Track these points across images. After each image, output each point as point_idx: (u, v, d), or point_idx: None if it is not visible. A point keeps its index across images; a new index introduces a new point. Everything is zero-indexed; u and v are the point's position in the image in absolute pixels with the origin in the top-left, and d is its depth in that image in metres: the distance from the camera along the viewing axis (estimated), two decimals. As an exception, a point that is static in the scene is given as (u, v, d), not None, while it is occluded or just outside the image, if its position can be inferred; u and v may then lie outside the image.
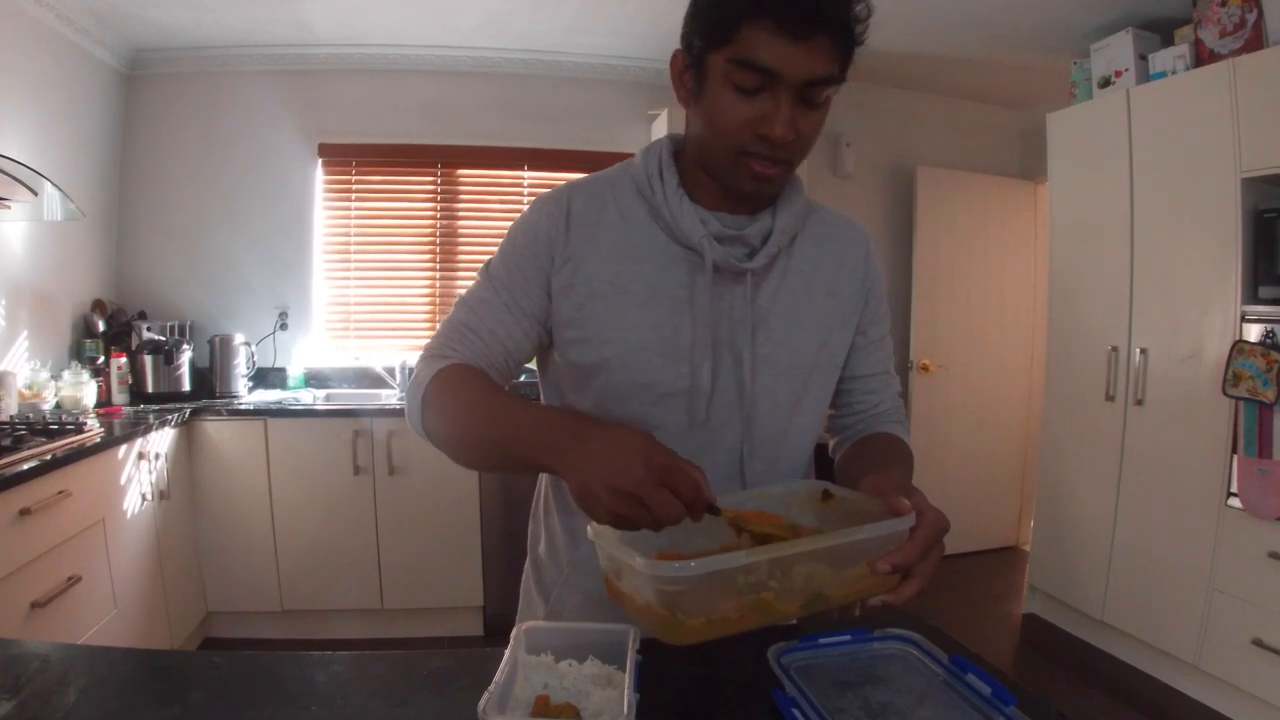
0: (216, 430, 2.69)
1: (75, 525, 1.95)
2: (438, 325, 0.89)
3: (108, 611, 2.09)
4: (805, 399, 0.89)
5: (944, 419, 3.75)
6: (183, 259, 3.21)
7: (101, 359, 2.81)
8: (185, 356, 2.89)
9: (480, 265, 0.90)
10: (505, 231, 0.89)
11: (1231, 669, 2.26)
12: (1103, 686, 2.54)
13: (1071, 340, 2.90)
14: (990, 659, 0.74)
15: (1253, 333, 2.20)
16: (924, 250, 3.68)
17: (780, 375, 0.86)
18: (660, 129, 3.30)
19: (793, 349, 0.87)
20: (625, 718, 0.57)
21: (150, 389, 2.83)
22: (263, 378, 3.21)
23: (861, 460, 0.89)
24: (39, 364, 2.56)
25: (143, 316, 3.05)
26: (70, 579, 1.89)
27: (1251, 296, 2.24)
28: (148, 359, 2.82)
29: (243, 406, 2.79)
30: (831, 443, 1.01)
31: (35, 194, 2.19)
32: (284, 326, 3.29)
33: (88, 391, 2.58)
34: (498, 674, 0.61)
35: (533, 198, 0.90)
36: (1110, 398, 2.69)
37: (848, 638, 0.77)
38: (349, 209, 3.40)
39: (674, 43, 0.81)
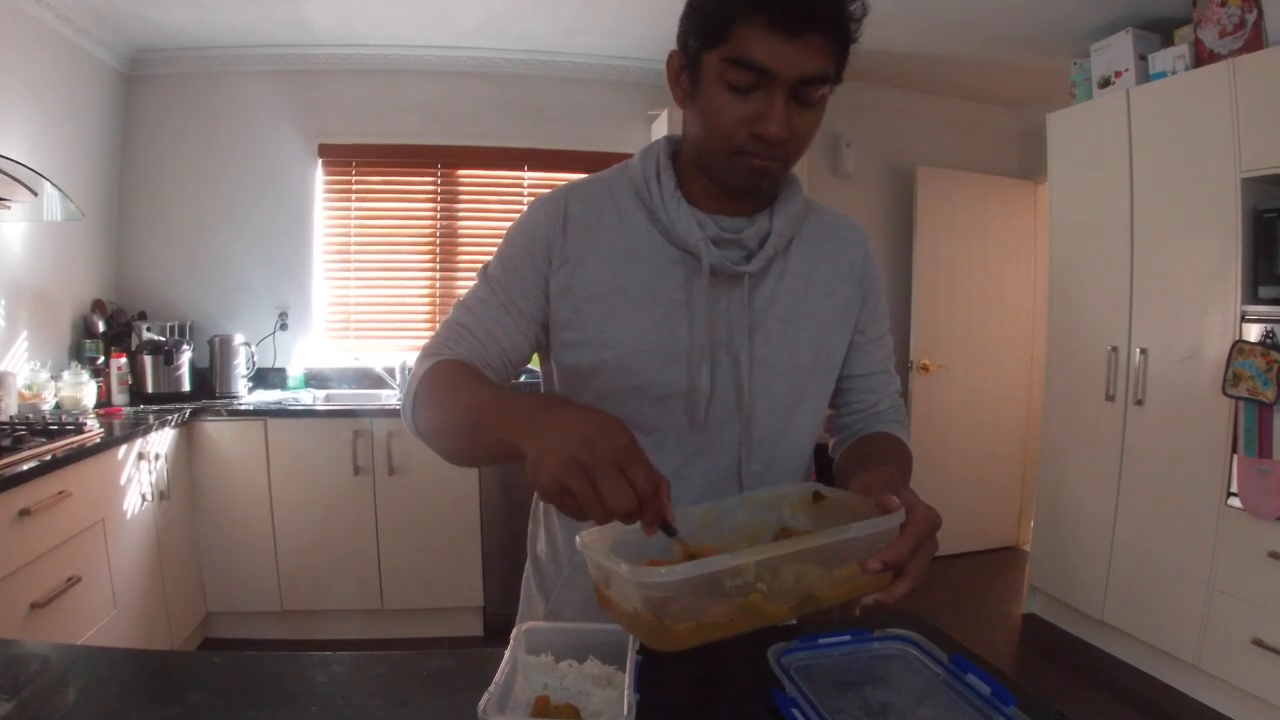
0: (216, 430, 2.69)
1: (75, 525, 1.95)
2: (437, 326, 0.88)
3: (107, 612, 2.09)
4: (803, 399, 0.89)
5: (944, 419, 3.75)
6: (183, 259, 3.21)
7: (101, 359, 2.81)
8: (185, 357, 2.89)
9: (480, 266, 0.89)
10: (505, 232, 0.89)
11: (1231, 669, 2.26)
12: (1103, 686, 2.54)
13: (1071, 340, 2.90)
14: (990, 659, 0.74)
15: (1253, 333, 2.20)
16: (924, 250, 3.68)
17: (778, 376, 0.86)
18: (660, 129, 3.30)
19: (790, 350, 0.87)
20: (625, 718, 0.57)
21: (150, 389, 2.83)
22: (263, 378, 3.21)
23: (859, 459, 0.89)
24: (39, 364, 2.56)
25: (143, 317, 3.05)
26: (70, 579, 1.89)
27: (1251, 296, 2.24)
28: (148, 359, 2.82)
29: (243, 407, 2.79)
30: (831, 442, 1.01)
31: (35, 194, 2.19)
32: (284, 327, 3.29)
33: (87, 392, 2.58)
34: (498, 674, 0.61)
35: (532, 198, 0.90)
36: (1110, 398, 2.69)
37: (847, 638, 0.77)
38: (349, 209, 3.40)
39: (674, 43, 0.81)
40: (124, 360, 2.77)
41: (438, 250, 3.43)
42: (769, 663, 0.71)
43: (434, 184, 3.42)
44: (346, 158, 3.35)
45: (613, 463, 0.55)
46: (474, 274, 0.89)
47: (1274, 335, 2.13)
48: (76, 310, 2.90)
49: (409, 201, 3.42)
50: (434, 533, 2.77)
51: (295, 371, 3.25)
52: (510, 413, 0.64)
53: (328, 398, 3.17)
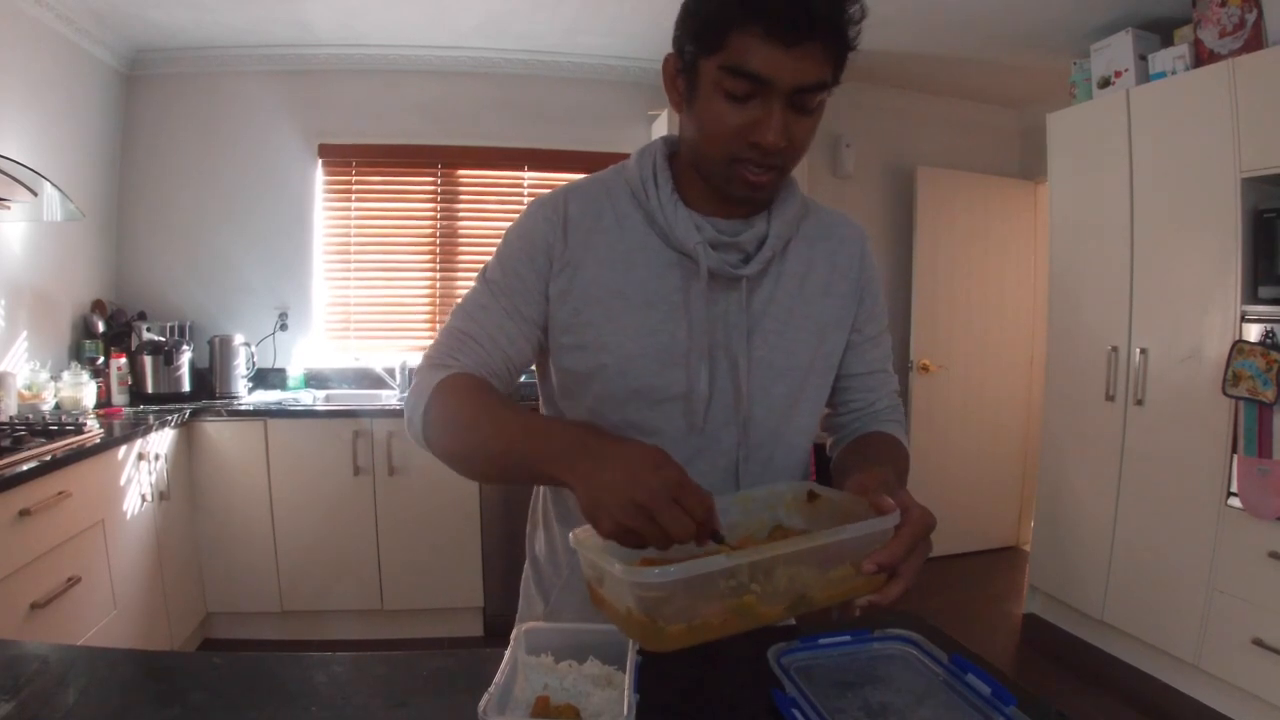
0: (216, 431, 2.69)
1: (75, 526, 1.95)
2: (437, 329, 0.88)
3: (107, 612, 2.09)
4: (801, 400, 0.89)
5: (944, 419, 3.75)
6: (183, 259, 3.21)
7: (101, 359, 2.81)
8: (185, 357, 2.89)
9: (480, 266, 0.89)
10: (504, 233, 0.89)
11: (1231, 669, 2.26)
12: (1103, 686, 2.54)
13: (1071, 340, 2.90)
14: (990, 659, 0.74)
15: (1252, 333, 2.20)
16: (924, 250, 3.68)
17: (776, 377, 0.86)
18: (660, 129, 3.30)
19: (788, 351, 0.86)
20: (625, 718, 0.57)
21: (150, 389, 2.83)
22: (262, 378, 3.21)
23: (856, 459, 0.89)
24: (39, 364, 2.56)
25: (142, 317, 3.05)
26: (70, 580, 1.89)
27: (1251, 296, 2.24)
28: (147, 359, 2.82)
29: (242, 407, 2.79)
30: (829, 441, 1.01)
31: (35, 194, 2.19)
32: (284, 327, 3.29)
33: (87, 392, 2.57)
34: (498, 674, 0.61)
35: (532, 198, 0.90)
36: (1110, 398, 2.69)
37: (847, 638, 0.77)
38: (349, 209, 3.40)
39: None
40: (124, 360, 2.77)
41: (438, 250, 3.43)
42: (769, 663, 0.71)
43: (434, 184, 3.42)
44: (346, 158, 3.35)
45: (670, 500, 0.58)
46: (474, 274, 0.89)
47: (1274, 335, 2.13)
48: (76, 310, 2.90)
49: (409, 201, 3.42)
50: (434, 533, 2.77)
51: (295, 372, 3.25)
52: (547, 446, 0.67)
53: (328, 398, 3.17)
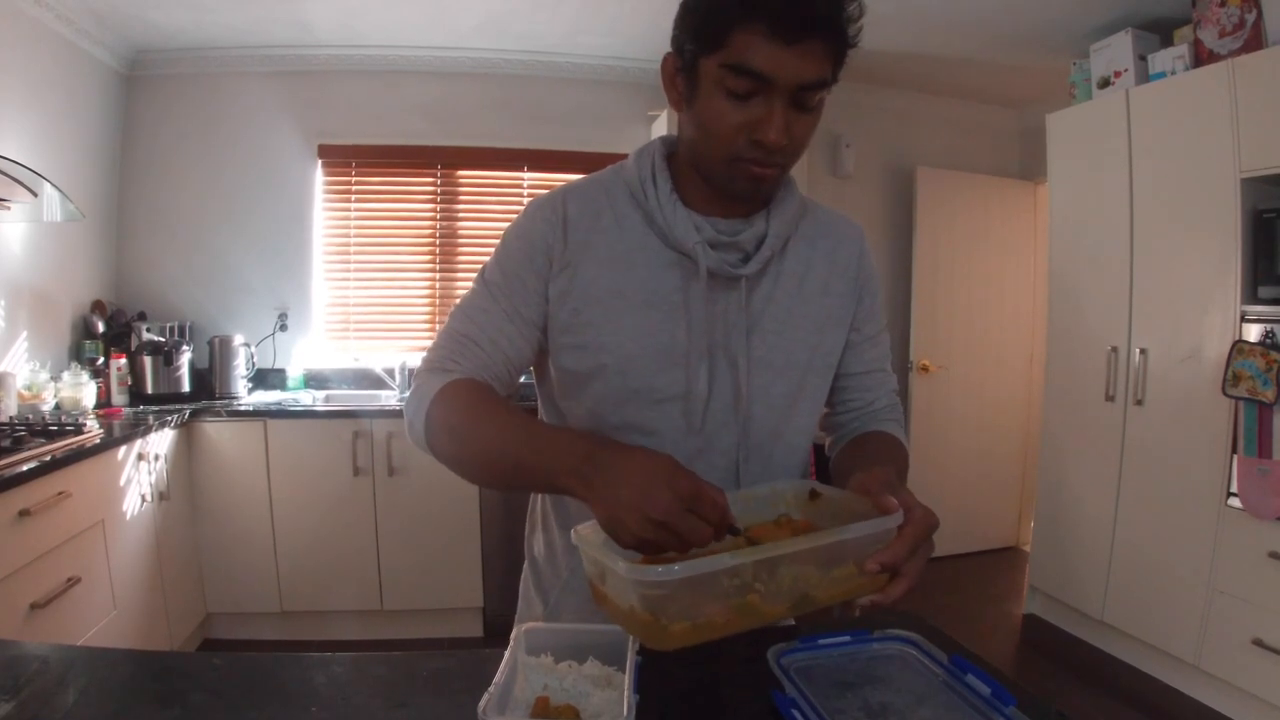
0: (216, 431, 2.68)
1: (75, 526, 1.95)
2: (437, 330, 0.88)
3: (107, 613, 2.09)
4: (800, 400, 0.89)
5: (944, 419, 3.75)
6: (183, 259, 3.21)
7: (101, 360, 2.81)
8: (185, 357, 2.89)
9: (479, 267, 0.89)
10: (503, 233, 0.89)
11: (1231, 669, 2.26)
12: (1103, 686, 2.54)
13: (1071, 340, 2.90)
14: (990, 659, 0.74)
15: (1252, 333, 2.20)
16: (924, 250, 3.68)
17: (775, 377, 0.86)
18: (660, 130, 3.30)
19: (787, 350, 0.86)
20: (625, 718, 0.57)
21: (150, 390, 2.83)
22: (262, 379, 3.21)
23: (855, 458, 0.89)
24: (38, 365, 2.56)
25: (142, 317, 3.05)
26: (70, 580, 1.89)
27: (1251, 296, 2.24)
28: (147, 360, 2.82)
29: (242, 407, 2.79)
30: (828, 441, 1.01)
31: (35, 195, 2.19)
32: (284, 327, 3.29)
33: (87, 392, 2.57)
34: (497, 675, 0.61)
35: (531, 199, 0.90)
36: (1110, 398, 2.69)
37: (847, 638, 0.77)
38: (349, 210, 3.40)
39: (673, 44, 0.80)
40: (124, 361, 2.77)
41: (437, 251, 3.43)
42: (769, 663, 0.71)
43: (434, 185, 3.42)
44: (346, 158, 3.35)
45: (685, 511, 0.59)
46: (473, 275, 0.89)
47: (1274, 335, 2.14)
48: (76, 311, 2.90)
49: (409, 202, 3.42)
50: (434, 533, 2.77)
51: (295, 372, 3.25)
52: (556, 459, 0.67)
53: (327, 398, 3.17)
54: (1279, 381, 2.08)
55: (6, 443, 1.86)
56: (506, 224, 0.89)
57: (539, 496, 0.99)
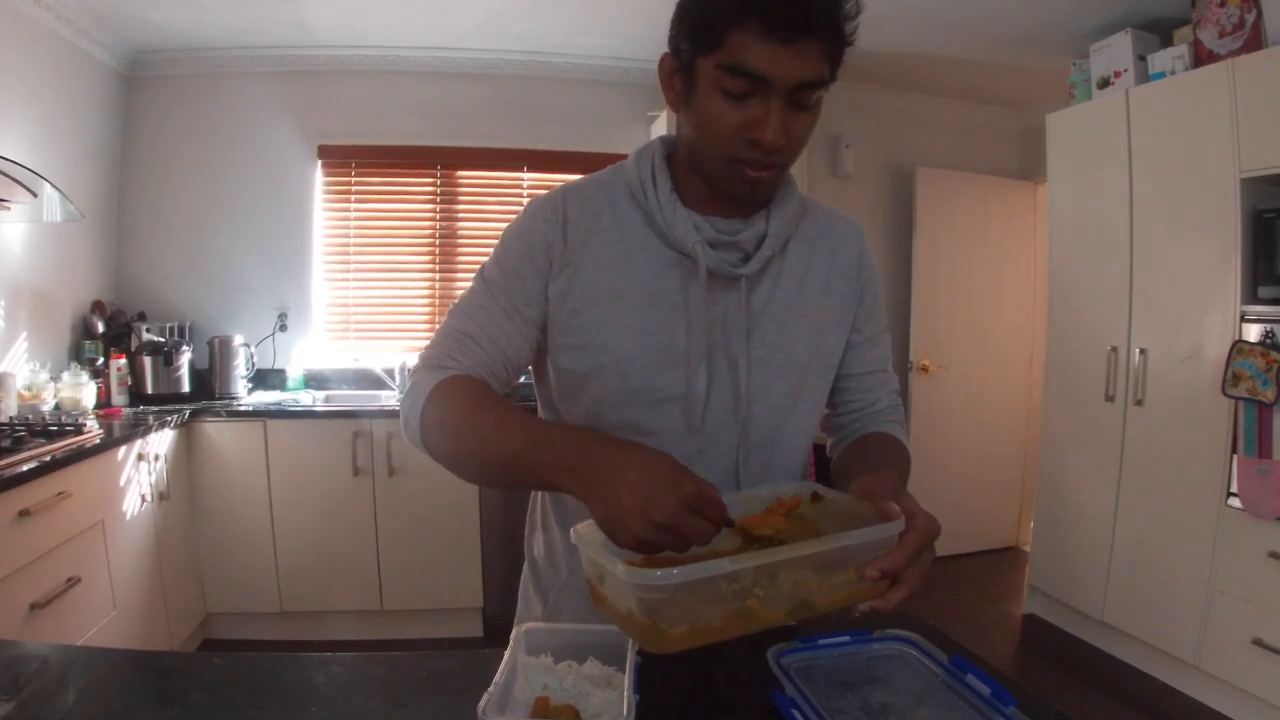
0: (216, 431, 2.68)
1: (75, 526, 1.95)
2: (434, 331, 0.87)
3: (107, 613, 2.09)
4: (800, 400, 0.89)
5: (944, 419, 3.75)
6: (183, 260, 3.21)
7: (101, 360, 2.81)
8: (185, 358, 2.89)
9: (478, 267, 0.88)
10: (503, 232, 0.88)
11: (1231, 669, 2.26)
12: (1103, 686, 2.54)
13: (1071, 340, 2.90)
14: (990, 659, 0.74)
15: (1252, 333, 2.20)
16: (924, 250, 3.68)
17: (775, 377, 0.86)
18: (659, 130, 3.30)
19: (787, 351, 0.86)
20: (625, 719, 0.57)
21: (150, 390, 2.83)
22: (262, 379, 3.21)
23: (857, 460, 0.89)
24: (38, 365, 2.56)
25: (142, 318, 3.05)
26: (70, 580, 1.89)
27: (1251, 296, 2.24)
28: (147, 360, 2.82)
29: (242, 408, 2.79)
30: (829, 442, 1.01)
31: (35, 195, 2.19)
32: (283, 328, 3.29)
33: (87, 393, 2.57)
34: (497, 675, 0.61)
35: (532, 199, 0.89)
36: (1110, 398, 2.69)
37: (847, 638, 0.77)
38: (348, 210, 3.40)
39: (672, 44, 0.80)
40: (123, 361, 2.77)
41: (437, 251, 3.43)
42: (769, 663, 0.71)
43: (433, 185, 3.42)
44: (346, 159, 3.35)
45: (687, 511, 0.59)
46: (473, 275, 0.89)
47: (1274, 335, 2.14)
48: (76, 311, 2.90)
49: (408, 202, 3.42)
50: (434, 534, 2.77)
51: (295, 372, 3.25)
52: (554, 457, 0.66)
53: (327, 399, 3.17)
54: (1279, 381, 2.08)
55: (6, 443, 1.87)
56: (506, 224, 0.89)
57: (539, 496, 0.99)
